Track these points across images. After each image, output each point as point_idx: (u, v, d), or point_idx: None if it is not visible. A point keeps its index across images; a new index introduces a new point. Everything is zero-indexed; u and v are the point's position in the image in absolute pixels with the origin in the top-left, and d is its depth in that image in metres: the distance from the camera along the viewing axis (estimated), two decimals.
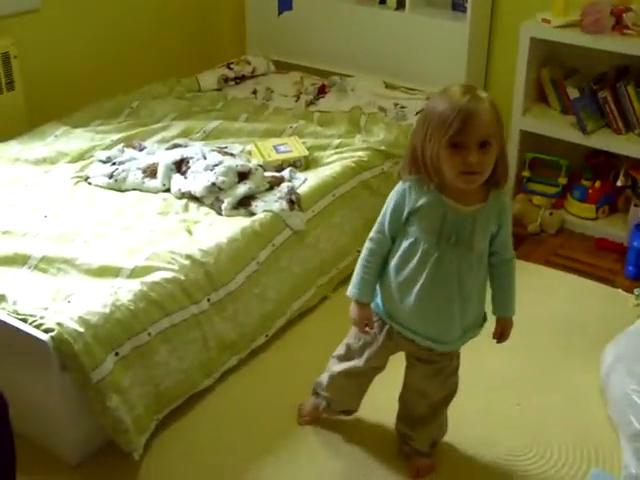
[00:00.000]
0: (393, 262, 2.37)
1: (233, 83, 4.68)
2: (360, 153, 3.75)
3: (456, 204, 2.26)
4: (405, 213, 2.31)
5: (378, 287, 2.46)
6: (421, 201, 2.28)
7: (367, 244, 2.42)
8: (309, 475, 2.68)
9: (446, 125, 2.13)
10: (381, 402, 2.83)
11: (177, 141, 3.82)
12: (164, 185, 3.46)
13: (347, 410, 2.82)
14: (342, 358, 2.68)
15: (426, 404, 2.61)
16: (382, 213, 2.39)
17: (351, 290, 2.45)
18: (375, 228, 2.41)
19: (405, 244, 2.33)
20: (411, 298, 2.35)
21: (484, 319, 2.49)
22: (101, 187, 3.48)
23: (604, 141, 4.02)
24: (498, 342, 2.54)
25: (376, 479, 2.67)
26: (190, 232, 3.14)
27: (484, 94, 2.19)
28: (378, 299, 2.47)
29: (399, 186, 2.34)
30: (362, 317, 2.45)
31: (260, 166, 3.51)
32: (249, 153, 3.74)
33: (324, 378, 2.76)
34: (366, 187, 3.69)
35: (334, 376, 2.70)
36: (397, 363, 2.62)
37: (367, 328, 2.46)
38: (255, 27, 5.10)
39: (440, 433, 2.71)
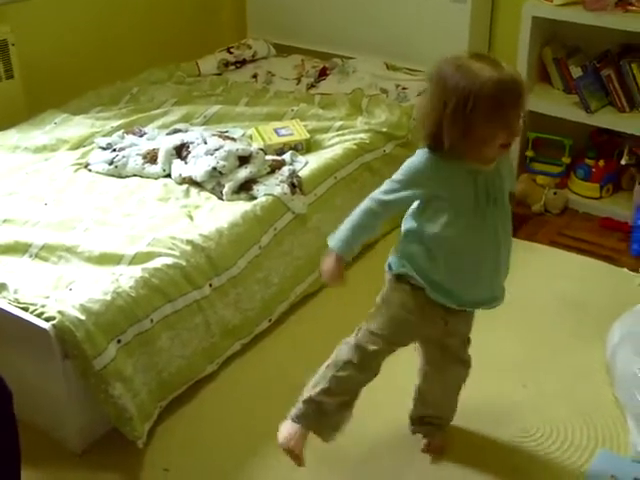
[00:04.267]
0: (436, 239, 2.24)
1: (233, 67, 4.66)
2: (362, 135, 3.73)
3: (480, 165, 2.21)
4: (427, 190, 2.22)
5: (420, 262, 2.31)
6: (444, 173, 2.20)
7: (368, 202, 2.29)
8: (314, 461, 2.65)
9: (498, 104, 2.07)
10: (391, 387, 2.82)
11: (177, 126, 3.80)
12: (164, 170, 3.45)
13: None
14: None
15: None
16: (397, 178, 2.26)
17: (338, 246, 2.31)
18: (385, 188, 2.28)
19: (442, 220, 2.22)
20: (464, 268, 2.28)
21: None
22: (101, 174, 3.47)
23: (608, 120, 3.99)
24: None
25: (385, 463, 2.67)
26: (191, 217, 3.13)
27: (498, 59, 2.14)
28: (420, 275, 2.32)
29: (418, 159, 2.24)
30: (339, 269, 2.33)
31: (261, 150, 3.49)
32: (250, 137, 3.72)
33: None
34: (368, 169, 3.67)
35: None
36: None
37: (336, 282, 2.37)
38: (255, 10, 5.07)
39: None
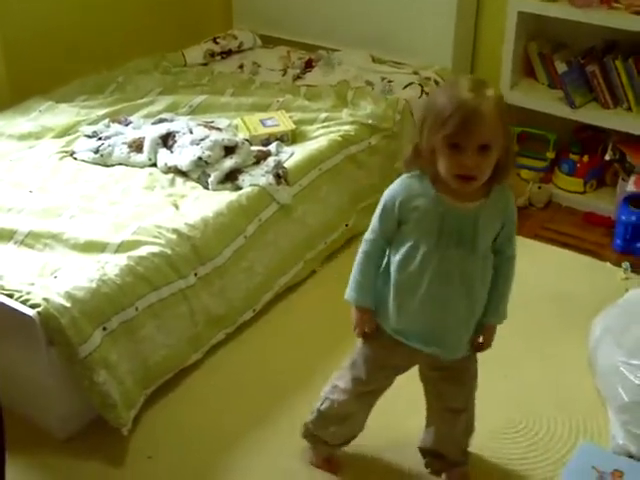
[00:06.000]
0: (393, 268, 2.21)
1: (219, 58, 4.64)
2: (347, 127, 3.73)
3: (455, 202, 2.11)
4: (397, 213, 2.17)
5: (378, 299, 2.29)
6: (417, 201, 2.13)
7: (362, 246, 2.27)
8: (294, 450, 2.67)
9: (443, 119, 1.99)
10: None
11: (163, 116, 3.79)
12: (150, 159, 3.44)
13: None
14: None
15: (442, 407, 2.50)
16: (375, 212, 2.25)
17: (349, 294, 2.30)
18: (369, 229, 2.26)
19: (403, 249, 2.17)
20: (414, 305, 2.20)
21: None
22: (87, 162, 3.46)
23: (592, 115, 4.01)
24: (477, 351, 2.37)
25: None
26: (176, 206, 3.13)
27: (491, 92, 2.03)
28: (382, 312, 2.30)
29: (394, 184, 2.20)
30: (362, 321, 2.30)
31: (247, 140, 3.49)
32: (236, 127, 3.71)
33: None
34: (353, 161, 3.68)
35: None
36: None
37: (364, 333, 2.32)
38: (241, 1, 5.05)
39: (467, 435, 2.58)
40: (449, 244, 2.14)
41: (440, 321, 2.24)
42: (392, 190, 2.20)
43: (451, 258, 2.15)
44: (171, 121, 3.69)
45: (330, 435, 2.55)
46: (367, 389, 2.43)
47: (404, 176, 2.19)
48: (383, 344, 2.33)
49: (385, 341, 2.31)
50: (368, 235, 2.27)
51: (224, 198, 3.16)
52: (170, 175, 3.35)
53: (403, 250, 2.18)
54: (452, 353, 2.30)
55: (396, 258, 2.21)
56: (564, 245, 3.81)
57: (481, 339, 2.36)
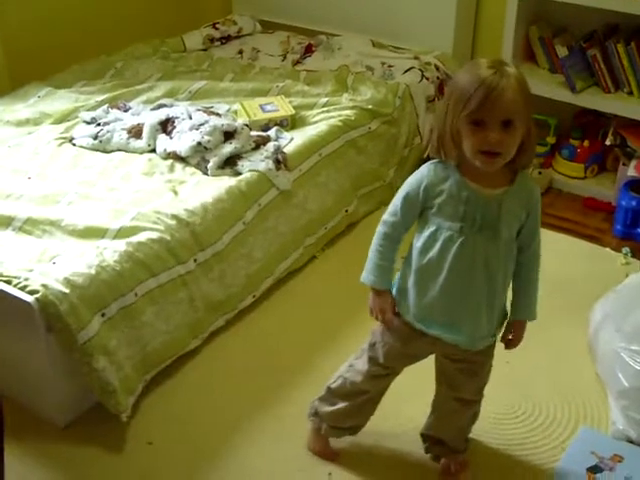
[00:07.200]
0: (414, 253, 2.20)
1: (219, 43, 4.64)
2: (347, 112, 3.72)
3: (479, 187, 2.10)
4: (421, 198, 2.15)
5: (399, 286, 2.29)
6: (442, 185, 2.13)
7: (380, 227, 2.25)
8: (295, 435, 2.67)
9: (465, 98, 1.99)
10: None
11: (162, 101, 3.78)
12: (149, 145, 3.43)
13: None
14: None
15: (453, 396, 2.46)
16: (397, 195, 2.22)
17: (366, 277, 2.26)
18: (389, 210, 2.23)
19: (426, 232, 2.17)
20: (434, 291, 2.19)
21: (505, 316, 2.34)
22: (86, 148, 3.45)
23: (593, 100, 3.99)
24: (507, 348, 2.38)
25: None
26: (176, 192, 3.12)
27: (512, 70, 2.02)
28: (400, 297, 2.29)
29: (418, 170, 2.19)
30: (381, 304, 2.27)
31: (246, 125, 3.48)
32: (235, 113, 3.70)
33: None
34: (353, 146, 3.66)
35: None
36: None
37: (387, 317, 2.28)
38: None
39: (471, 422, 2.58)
40: (472, 229, 2.13)
41: (460, 308, 2.22)
42: (417, 175, 2.19)
43: (474, 242, 2.14)
44: (170, 107, 3.68)
45: (334, 414, 2.52)
46: (383, 372, 2.43)
47: (428, 163, 2.19)
48: (402, 334, 2.31)
49: (404, 331, 2.30)
50: (388, 217, 2.24)
51: (223, 184, 3.15)
52: (169, 161, 3.34)
53: (426, 234, 2.17)
54: (471, 343, 2.28)
55: (419, 243, 2.20)
56: (564, 230, 3.80)
57: (511, 336, 2.36)
